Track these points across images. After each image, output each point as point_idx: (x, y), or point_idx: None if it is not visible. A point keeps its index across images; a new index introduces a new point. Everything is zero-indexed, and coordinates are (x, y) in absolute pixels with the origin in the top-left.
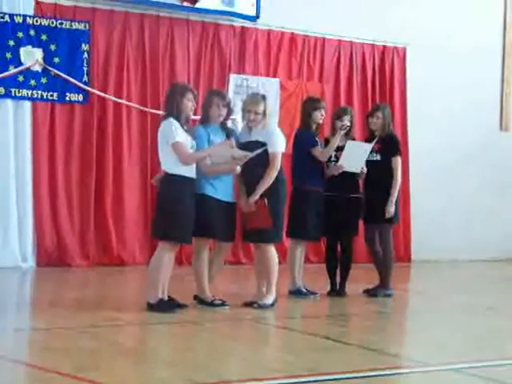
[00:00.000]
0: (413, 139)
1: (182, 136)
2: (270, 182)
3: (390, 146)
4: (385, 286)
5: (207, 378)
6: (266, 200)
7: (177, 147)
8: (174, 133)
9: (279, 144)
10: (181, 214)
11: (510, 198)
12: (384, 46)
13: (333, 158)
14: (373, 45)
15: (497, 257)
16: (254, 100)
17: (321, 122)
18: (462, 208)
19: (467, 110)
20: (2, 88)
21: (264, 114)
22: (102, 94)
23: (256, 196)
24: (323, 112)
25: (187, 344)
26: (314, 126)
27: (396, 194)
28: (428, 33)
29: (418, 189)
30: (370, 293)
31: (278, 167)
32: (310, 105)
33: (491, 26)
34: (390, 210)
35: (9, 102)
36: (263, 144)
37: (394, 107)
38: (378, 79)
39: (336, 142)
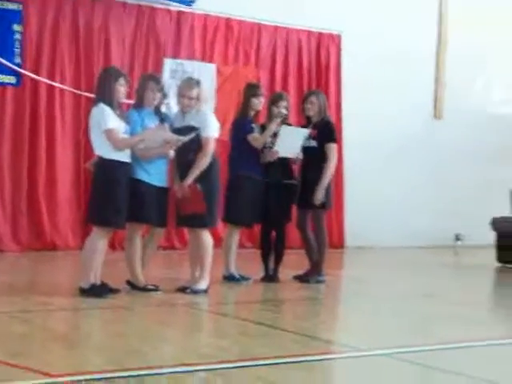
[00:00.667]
0: (348, 126)
1: (114, 122)
2: (203, 166)
3: (325, 132)
4: (317, 271)
5: (139, 363)
6: (199, 185)
7: (109, 134)
8: (106, 119)
9: (212, 129)
10: (116, 199)
11: (443, 185)
12: (319, 33)
13: (269, 144)
14: (308, 31)
15: (429, 244)
16: (188, 85)
17: (259, 108)
18: (396, 195)
19: (401, 98)
20: None
21: (198, 98)
22: (35, 77)
23: (189, 180)
24: (262, 99)
25: (119, 329)
26: (252, 113)
27: (327, 181)
28: (364, 21)
29: (353, 176)
30: (303, 279)
31: (211, 152)
32: (249, 91)
33: (426, 11)
34: (319, 196)
35: None
36: (196, 129)
37: (330, 94)
38: (313, 66)
39: (272, 128)
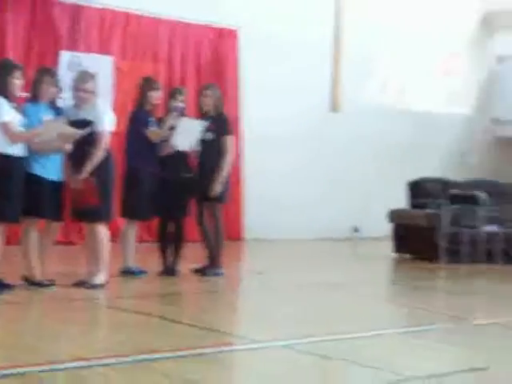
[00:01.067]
0: (246, 120)
1: (10, 115)
2: (98, 160)
3: (221, 125)
4: (215, 264)
5: (35, 359)
6: (93, 178)
7: (5, 127)
8: (1, 112)
9: (107, 123)
10: (11, 194)
11: (341, 178)
12: (217, 28)
13: (166, 138)
14: (207, 26)
15: (328, 236)
16: (83, 78)
17: (156, 102)
18: (294, 188)
19: (299, 93)
20: None
21: (93, 92)
22: None
23: (83, 174)
24: (159, 93)
25: (14, 325)
26: (149, 107)
27: (225, 174)
28: (263, 17)
29: (251, 168)
30: (201, 272)
31: (106, 146)
32: (146, 85)
33: (323, 9)
34: (216, 188)
35: None
36: (91, 122)
37: (227, 88)
38: (211, 60)
39: (169, 121)
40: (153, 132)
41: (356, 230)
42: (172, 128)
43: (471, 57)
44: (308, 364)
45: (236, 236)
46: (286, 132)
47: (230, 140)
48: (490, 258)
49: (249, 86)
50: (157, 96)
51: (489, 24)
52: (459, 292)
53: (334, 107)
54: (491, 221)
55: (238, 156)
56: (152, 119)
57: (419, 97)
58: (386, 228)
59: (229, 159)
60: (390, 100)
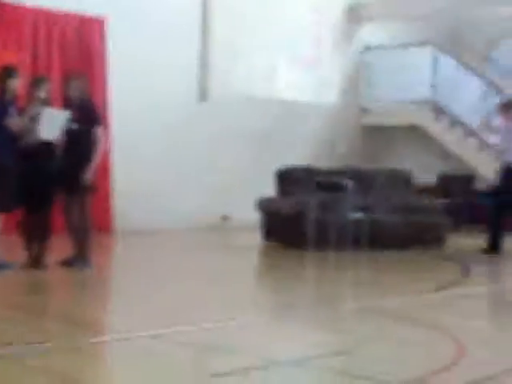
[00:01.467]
0: (115, 109)
1: None
2: None
3: (87, 114)
4: (82, 256)
5: None
6: None
7: None
8: None
9: None
10: None
11: (210, 167)
12: (84, 17)
13: (29, 128)
14: (72, 15)
15: (198, 225)
16: None
17: (16, 91)
18: (164, 177)
19: (167, 81)
20: None
21: None
22: None
23: None
24: (18, 81)
25: None
26: (8, 96)
27: (93, 164)
28: (129, 4)
29: (121, 158)
30: (68, 264)
31: None
32: (4, 74)
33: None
34: (84, 178)
35: None
36: None
37: (95, 77)
38: (78, 50)
39: (31, 111)
40: (13, 121)
41: (225, 218)
42: (34, 118)
43: (338, 46)
44: (175, 353)
45: (105, 227)
46: (154, 120)
47: (98, 129)
48: (356, 244)
49: (117, 75)
50: (15, 84)
51: (356, 14)
52: (325, 279)
53: (203, 95)
54: (357, 208)
55: (106, 145)
56: (12, 108)
57: (287, 85)
58: (256, 216)
59: (97, 149)
60: (258, 88)
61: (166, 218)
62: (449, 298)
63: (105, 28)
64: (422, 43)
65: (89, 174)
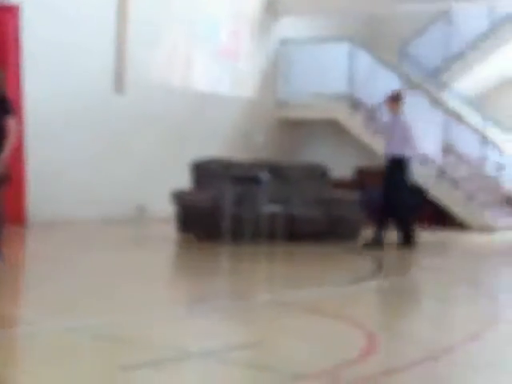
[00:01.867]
0: (30, 98)
1: None
2: None
3: (1, 105)
4: None
5: None
6: None
7: None
8: None
9: None
10: None
11: (126, 158)
12: None
13: None
14: None
15: (113, 217)
16: None
17: None
18: (79, 168)
19: (83, 71)
20: None
21: None
22: None
23: None
24: None
25: None
26: None
27: (6, 155)
28: None
29: (35, 149)
30: None
31: None
32: None
33: None
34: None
35: None
36: None
37: (9, 67)
38: None
39: None
40: None
41: (140, 209)
42: None
43: (256, 39)
44: (86, 346)
45: (18, 219)
46: (69, 110)
47: (11, 120)
48: (272, 238)
49: (33, 62)
50: None
51: (273, 7)
52: (239, 272)
53: (118, 83)
54: (273, 201)
55: (20, 136)
56: None
57: (204, 77)
58: (171, 208)
59: (11, 140)
60: (175, 78)
61: (80, 209)
62: (360, 290)
63: (20, 16)
64: (339, 38)
65: (1, 166)
